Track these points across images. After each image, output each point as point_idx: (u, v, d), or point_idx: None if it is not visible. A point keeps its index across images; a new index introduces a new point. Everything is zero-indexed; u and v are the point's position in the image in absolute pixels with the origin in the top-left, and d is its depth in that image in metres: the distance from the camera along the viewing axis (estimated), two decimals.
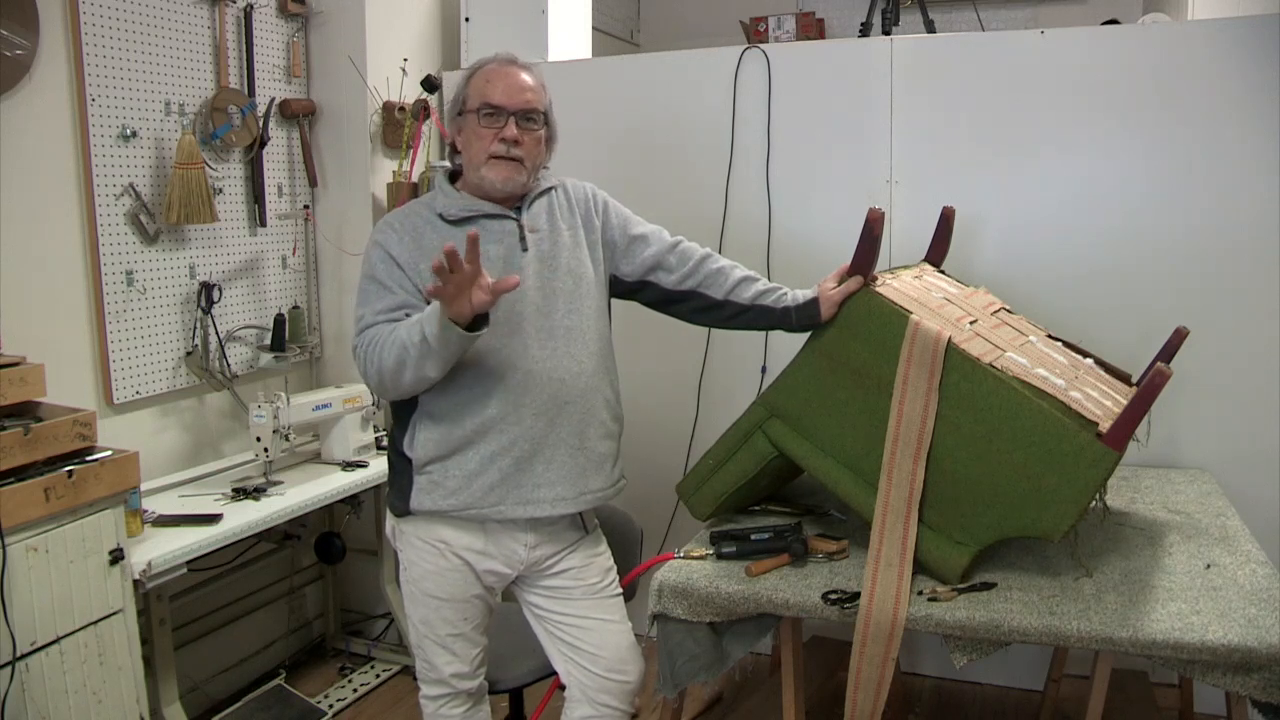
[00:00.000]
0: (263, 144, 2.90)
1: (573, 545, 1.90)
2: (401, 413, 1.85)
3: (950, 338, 1.79)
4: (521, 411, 1.76)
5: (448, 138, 1.87)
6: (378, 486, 2.81)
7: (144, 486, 2.30)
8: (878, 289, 1.89)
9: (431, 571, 1.83)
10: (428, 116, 3.10)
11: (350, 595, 3.25)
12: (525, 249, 1.80)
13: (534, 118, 1.80)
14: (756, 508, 2.20)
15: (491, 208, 1.81)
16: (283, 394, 2.59)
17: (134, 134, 2.54)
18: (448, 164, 1.94)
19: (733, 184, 2.87)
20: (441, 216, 1.80)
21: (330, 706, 2.80)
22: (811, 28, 3.95)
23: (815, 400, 1.95)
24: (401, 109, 3.09)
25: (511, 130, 1.77)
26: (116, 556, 2.02)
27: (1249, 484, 2.47)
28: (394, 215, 1.86)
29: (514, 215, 1.82)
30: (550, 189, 1.89)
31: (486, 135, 1.78)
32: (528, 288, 1.78)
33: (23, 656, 1.84)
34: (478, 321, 1.62)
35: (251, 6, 2.86)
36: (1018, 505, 1.74)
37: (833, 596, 1.76)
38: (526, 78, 1.81)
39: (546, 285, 1.80)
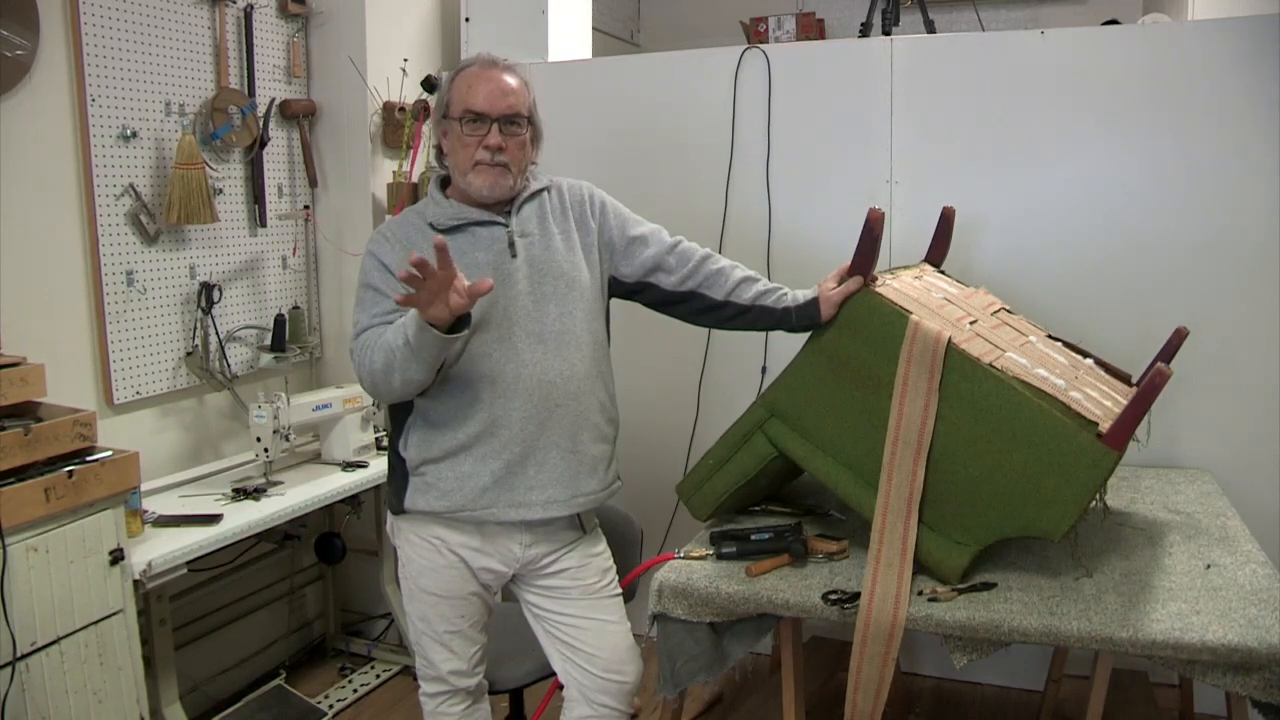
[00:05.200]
0: (263, 144, 2.90)
1: (570, 545, 1.90)
2: (398, 414, 1.85)
3: (950, 338, 1.79)
4: (512, 415, 1.76)
5: (434, 141, 1.87)
6: (378, 487, 2.81)
7: (144, 487, 2.30)
8: (878, 289, 1.89)
9: (428, 568, 1.84)
10: (428, 117, 3.10)
11: (350, 595, 3.25)
12: (515, 255, 1.80)
13: (518, 121, 1.79)
14: (756, 508, 2.20)
15: (480, 214, 1.81)
16: (283, 394, 2.59)
17: (134, 134, 2.54)
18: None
19: (733, 184, 2.87)
20: (432, 225, 1.80)
21: (330, 707, 2.80)
22: (811, 28, 3.95)
23: (815, 400, 1.95)
24: (401, 109, 3.09)
25: (495, 138, 1.76)
26: (117, 557, 2.02)
27: (1249, 484, 2.47)
28: (386, 226, 1.87)
29: (503, 221, 1.82)
30: (542, 190, 1.88)
31: (470, 142, 1.77)
32: (519, 292, 1.78)
33: (23, 656, 1.84)
34: (459, 324, 1.62)
35: (251, 7, 2.86)
36: (1018, 505, 1.74)
37: (833, 597, 1.76)
38: (508, 80, 1.79)
39: (537, 289, 1.80)
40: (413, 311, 1.60)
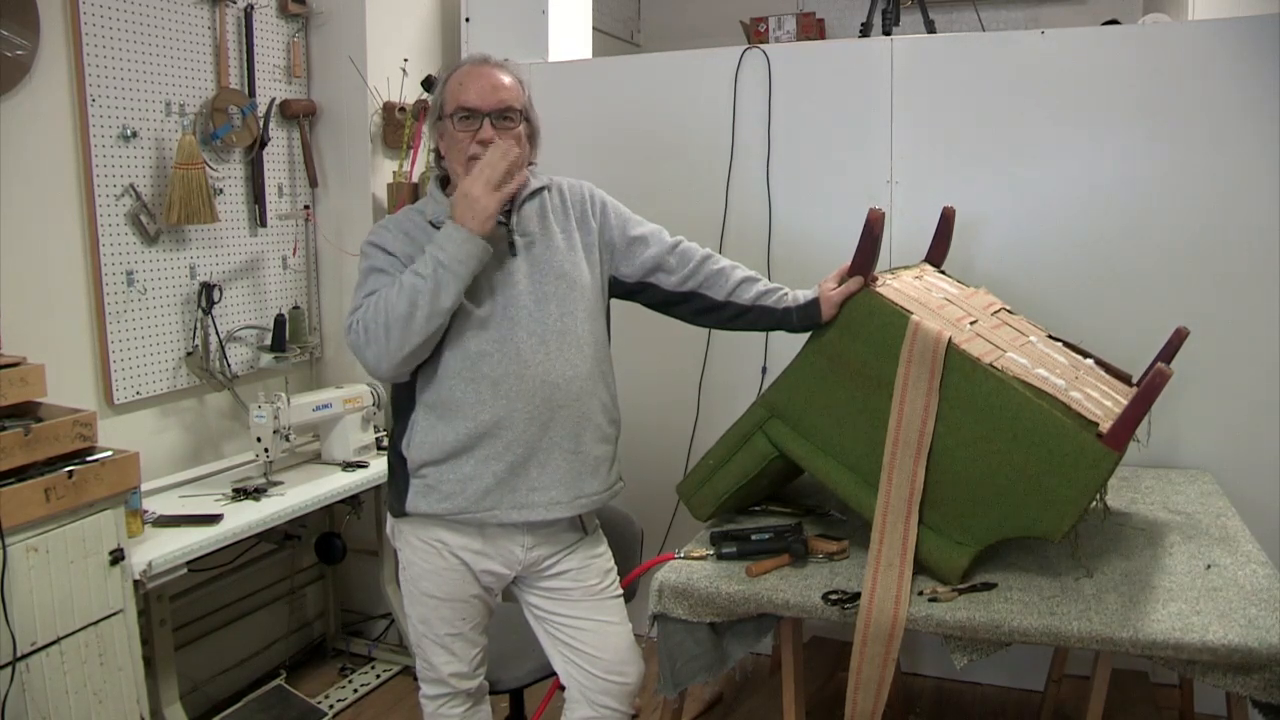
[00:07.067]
0: (263, 144, 2.90)
1: (571, 547, 1.90)
2: (398, 415, 1.85)
3: (950, 338, 1.79)
4: (515, 416, 1.76)
5: (431, 144, 1.87)
6: (378, 487, 2.81)
7: (144, 487, 2.30)
8: (878, 289, 1.89)
9: (429, 571, 1.83)
10: (428, 116, 3.10)
11: (350, 595, 3.25)
12: (515, 254, 1.80)
13: (510, 116, 1.78)
14: (757, 508, 2.20)
15: None
16: (283, 394, 2.59)
17: (134, 134, 2.54)
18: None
19: (733, 184, 2.87)
20: (432, 224, 1.80)
21: (330, 707, 2.80)
22: (812, 28, 3.96)
23: (816, 400, 1.95)
24: (402, 109, 3.09)
25: (488, 131, 1.75)
26: (117, 557, 2.02)
27: (1249, 484, 2.47)
28: (386, 220, 1.87)
29: (503, 220, 1.81)
30: (542, 189, 1.88)
31: (464, 139, 1.77)
32: (520, 292, 1.78)
33: (23, 657, 1.84)
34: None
35: (252, 6, 2.86)
36: (1018, 505, 1.74)
37: (833, 597, 1.76)
38: (500, 76, 1.79)
39: (539, 289, 1.79)
40: (445, 234, 1.67)
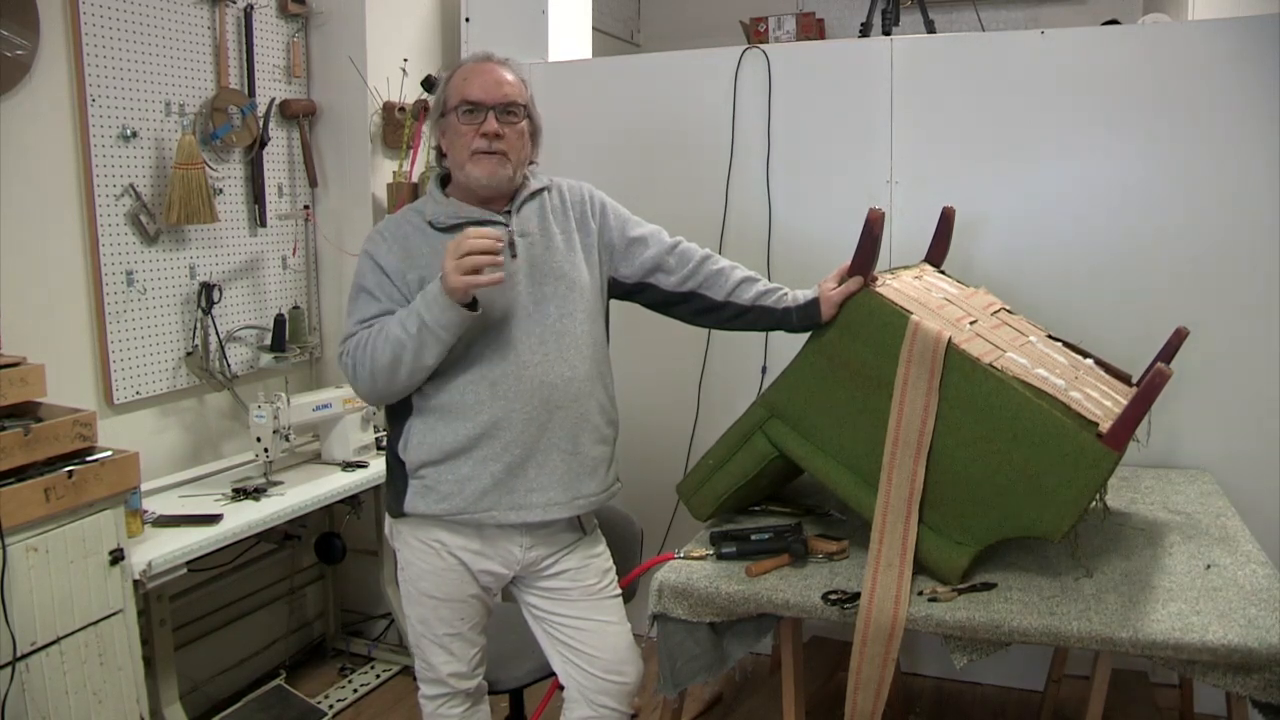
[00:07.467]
0: (263, 144, 2.90)
1: (569, 547, 1.90)
2: (396, 416, 1.85)
3: (950, 338, 1.79)
4: (513, 417, 1.76)
5: (433, 142, 1.87)
6: (378, 487, 2.80)
7: (144, 487, 2.30)
8: (878, 289, 1.89)
9: (428, 571, 1.83)
10: (428, 116, 3.10)
11: (350, 595, 3.25)
12: (514, 254, 1.79)
13: (514, 110, 1.79)
14: (756, 508, 2.20)
15: (480, 213, 1.80)
16: (283, 394, 2.59)
17: (134, 134, 2.54)
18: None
19: (733, 184, 2.87)
20: (431, 224, 1.80)
21: (330, 707, 2.80)
22: (812, 28, 3.96)
23: (815, 400, 1.95)
24: (401, 109, 3.09)
25: (491, 124, 1.76)
26: (117, 557, 2.02)
27: (1249, 484, 2.47)
28: (384, 224, 1.86)
29: (504, 220, 1.81)
30: (542, 190, 1.88)
31: (467, 132, 1.77)
32: (519, 293, 1.78)
33: (23, 656, 1.84)
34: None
35: (251, 6, 2.86)
36: (1018, 505, 1.74)
37: (833, 597, 1.76)
38: (504, 73, 1.80)
39: (538, 290, 1.79)
40: (431, 294, 1.65)
